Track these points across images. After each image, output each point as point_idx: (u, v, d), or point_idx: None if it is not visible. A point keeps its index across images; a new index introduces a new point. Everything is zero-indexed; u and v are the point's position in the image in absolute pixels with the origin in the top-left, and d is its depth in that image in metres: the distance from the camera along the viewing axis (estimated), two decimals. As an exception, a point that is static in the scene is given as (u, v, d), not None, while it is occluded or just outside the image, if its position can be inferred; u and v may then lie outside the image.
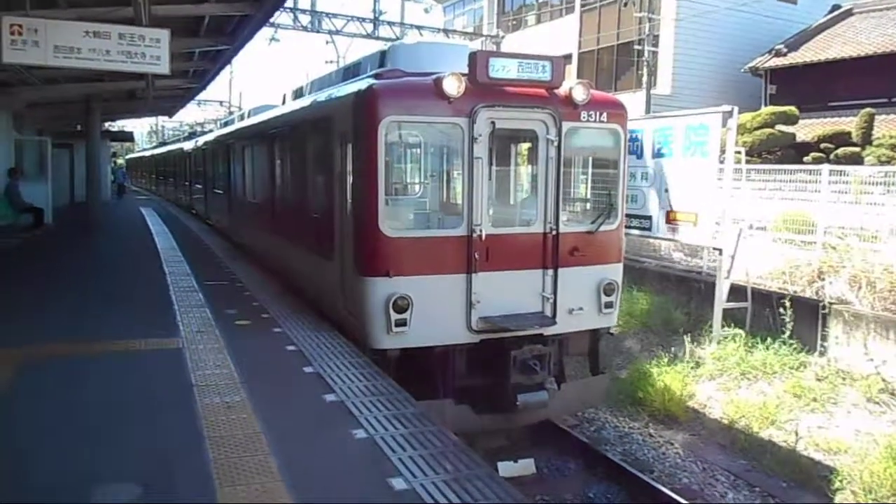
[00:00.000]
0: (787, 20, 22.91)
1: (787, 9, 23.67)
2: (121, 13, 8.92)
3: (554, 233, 6.55)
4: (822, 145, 17.47)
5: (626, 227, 7.83)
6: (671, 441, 8.18)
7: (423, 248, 6.29)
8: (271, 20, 16.89)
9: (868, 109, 17.43)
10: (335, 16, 22.60)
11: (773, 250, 11.41)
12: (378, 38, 22.50)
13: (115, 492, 3.45)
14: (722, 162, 10.06)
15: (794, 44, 21.81)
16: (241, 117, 15.31)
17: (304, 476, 3.66)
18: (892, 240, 10.30)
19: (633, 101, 18.20)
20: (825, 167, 11.89)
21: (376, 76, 6.62)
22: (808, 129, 19.04)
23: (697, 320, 10.82)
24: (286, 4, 20.02)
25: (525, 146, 7.47)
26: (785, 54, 21.46)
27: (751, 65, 22.04)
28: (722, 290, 10.12)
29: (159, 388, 5.06)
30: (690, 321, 10.91)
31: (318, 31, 22.55)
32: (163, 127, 57.42)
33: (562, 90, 6.50)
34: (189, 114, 47.06)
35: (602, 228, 6.84)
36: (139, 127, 53.23)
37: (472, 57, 6.20)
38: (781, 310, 9.57)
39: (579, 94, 6.48)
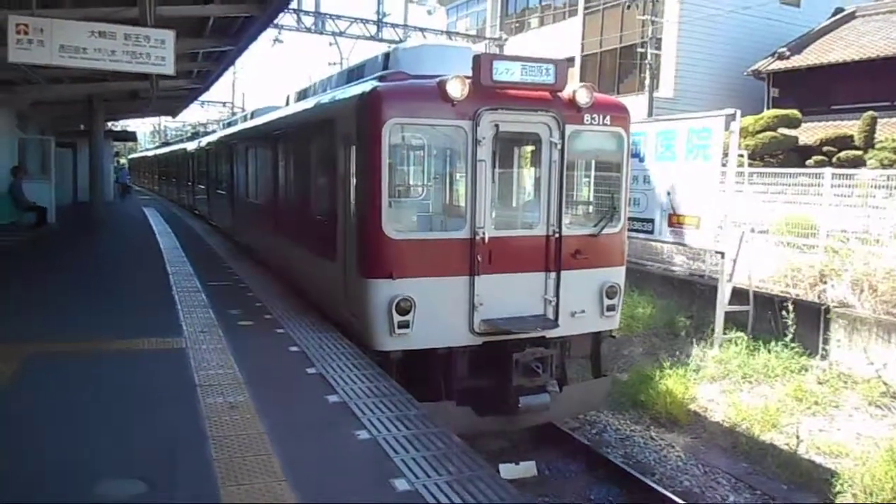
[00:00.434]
0: (790, 23, 22.90)
1: (790, 12, 23.67)
2: (126, 13, 8.96)
3: (557, 236, 6.57)
4: (825, 149, 17.45)
5: (629, 230, 7.84)
6: (673, 444, 8.18)
7: (426, 250, 6.31)
8: (275, 21, 16.91)
9: (870, 113, 17.41)
10: (339, 17, 22.62)
11: (775, 254, 11.41)
12: (381, 40, 22.52)
13: (119, 489, 3.47)
14: (724, 165, 10.07)
15: (797, 47, 21.80)
16: (245, 118, 15.33)
17: (307, 476, 3.68)
18: (894, 243, 10.29)
19: (635, 103, 18.22)
20: (827, 170, 11.90)
21: (380, 78, 6.64)
22: (810, 132, 19.02)
23: (699, 323, 10.83)
24: (290, 6, 20.06)
25: (528, 149, 7.49)
26: (787, 57, 21.46)
27: (753, 68, 22.03)
28: (724, 294, 10.13)
29: (162, 387, 5.08)
30: (692, 324, 10.91)
31: (321, 33, 22.57)
32: (165, 127, 57.54)
33: (565, 93, 6.52)
34: (192, 114, 47.09)
35: (605, 231, 6.85)
36: (142, 127, 53.38)
37: (476, 60, 6.22)
38: (783, 313, 9.58)
39: (582, 97, 6.50)
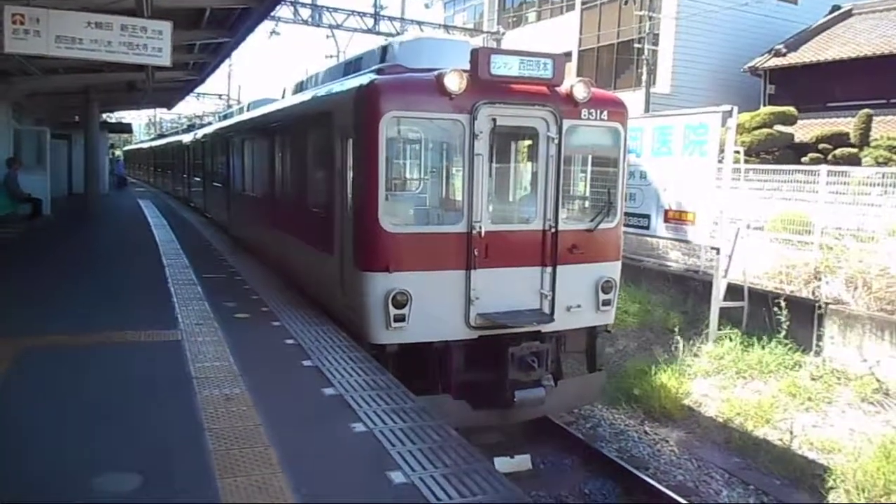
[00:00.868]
0: (787, 20, 22.93)
1: (787, 9, 23.68)
2: (122, 4, 8.89)
3: (553, 230, 6.58)
4: (821, 146, 17.52)
5: (624, 225, 7.86)
6: (666, 438, 8.23)
7: (423, 243, 6.31)
8: (272, 13, 16.83)
9: (866, 110, 17.47)
10: (336, 10, 22.53)
11: (770, 250, 11.46)
12: (378, 33, 22.45)
13: (115, 482, 3.46)
14: (720, 161, 10.09)
15: (794, 44, 21.84)
16: (241, 110, 15.27)
17: (304, 468, 3.68)
18: (888, 241, 10.35)
19: (632, 99, 18.20)
20: (823, 168, 11.94)
21: (378, 71, 6.62)
22: (806, 129, 19.08)
23: (694, 319, 10.87)
24: (287, -2, 19.99)
25: (525, 143, 7.49)
26: (784, 54, 21.49)
27: (750, 64, 22.06)
28: (719, 290, 10.17)
29: (158, 379, 5.07)
30: (687, 320, 10.96)
31: (318, 26, 22.48)
32: (161, 119, 57.26)
33: (563, 88, 6.52)
34: (188, 106, 46.97)
35: (601, 226, 6.86)
36: (137, 119, 53.03)
37: (474, 53, 6.21)
38: (777, 309, 9.62)
39: (580, 92, 6.50)
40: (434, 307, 6.19)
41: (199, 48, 14.05)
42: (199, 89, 29.01)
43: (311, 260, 7.99)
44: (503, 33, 25.54)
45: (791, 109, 18.92)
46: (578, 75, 19.90)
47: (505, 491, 3.53)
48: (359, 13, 22.89)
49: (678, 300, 11.59)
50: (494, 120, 6.26)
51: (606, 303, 6.97)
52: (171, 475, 3.58)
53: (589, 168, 7.67)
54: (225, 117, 18.23)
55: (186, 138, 22.46)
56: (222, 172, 14.51)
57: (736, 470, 7.48)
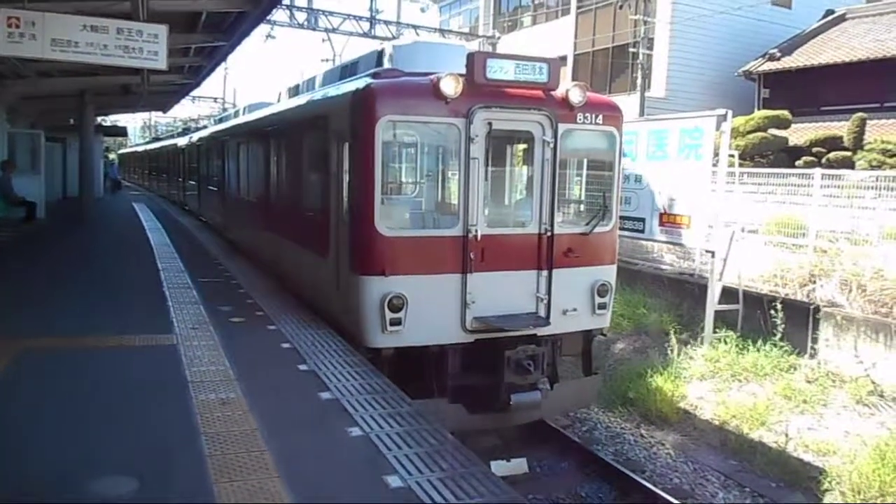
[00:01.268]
0: (781, 24, 23.05)
1: (781, 13, 23.81)
2: (118, 7, 8.89)
3: (549, 234, 6.60)
4: (815, 149, 17.60)
5: (619, 229, 7.89)
6: (662, 441, 8.24)
7: (419, 247, 6.32)
8: (268, 17, 16.83)
9: (860, 114, 17.56)
10: (331, 14, 22.53)
11: (764, 253, 11.50)
12: (374, 37, 22.46)
13: (111, 486, 3.44)
14: (715, 165, 10.13)
15: (788, 48, 21.96)
16: (237, 114, 15.27)
17: (300, 473, 3.68)
18: (882, 243, 10.41)
19: (627, 103, 18.27)
20: (817, 171, 12.00)
21: (374, 75, 6.63)
22: (800, 133, 19.17)
23: (690, 322, 10.90)
24: (283, 2, 19.99)
25: (521, 147, 7.51)
26: (778, 58, 21.61)
27: (744, 68, 22.16)
28: (714, 293, 10.20)
29: (154, 383, 5.05)
30: (682, 323, 10.98)
31: (314, 29, 22.48)
32: (156, 122, 57.13)
33: (558, 92, 6.54)
34: (183, 110, 46.88)
35: (596, 230, 6.89)
36: (132, 122, 52.95)
37: (470, 58, 6.23)
38: (772, 312, 9.65)
39: (575, 96, 6.53)
40: (430, 311, 6.20)
41: (194, 51, 14.06)
42: (195, 92, 29.00)
43: (307, 263, 7.98)
44: (499, 37, 25.62)
45: (785, 113, 19.00)
46: (574, 79, 20.03)
47: (501, 494, 3.53)
48: (355, 17, 22.92)
49: (674, 303, 11.61)
50: (490, 124, 6.28)
51: (602, 306, 6.99)
52: (166, 479, 3.57)
53: (584, 172, 7.70)
54: (220, 121, 18.20)
55: (182, 142, 22.43)
56: (218, 176, 14.49)
57: (732, 472, 7.49)
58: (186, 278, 9.12)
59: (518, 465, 6.99)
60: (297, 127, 8.67)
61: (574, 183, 7.74)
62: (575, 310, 6.80)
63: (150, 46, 8.26)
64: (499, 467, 6.64)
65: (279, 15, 21.22)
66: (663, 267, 12.81)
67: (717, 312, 10.23)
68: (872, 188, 11.41)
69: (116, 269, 10.34)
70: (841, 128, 18.11)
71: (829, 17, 23.11)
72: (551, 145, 6.52)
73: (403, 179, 8.40)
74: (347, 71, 8.10)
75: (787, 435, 7.93)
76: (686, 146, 10.04)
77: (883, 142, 16.33)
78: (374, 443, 4.06)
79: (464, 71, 6.15)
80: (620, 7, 22.84)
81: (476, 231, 6.25)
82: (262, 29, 22.11)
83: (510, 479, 6.39)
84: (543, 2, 29.15)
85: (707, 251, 10.47)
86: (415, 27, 24.61)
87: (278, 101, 11.07)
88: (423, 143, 7.55)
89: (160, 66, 8.57)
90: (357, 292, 6.21)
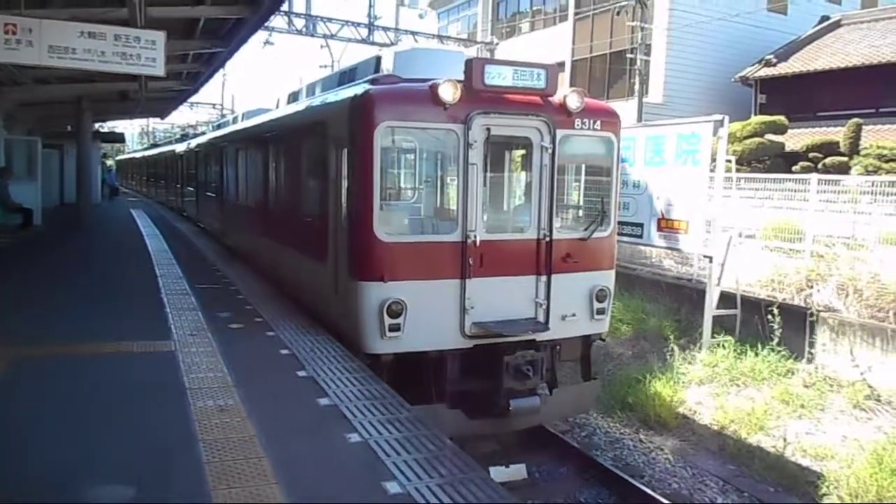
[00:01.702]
0: (777, 31, 23.19)
1: (777, 19, 23.96)
2: (115, 14, 8.91)
3: (547, 239, 6.60)
4: (811, 154, 17.69)
5: (618, 234, 7.91)
6: (661, 446, 8.24)
7: (418, 253, 6.32)
8: (266, 23, 16.87)
9: (856, 120, 17.66)
10: (330, 20, 22.58)
11: (762, 258, 11.54)
12: (373, 43, 22.51)
13: (109, 494, 3.43)
14: (712, 170, 10.17)
15: (784, 54, 22.08)
16: (235, 120, 15.28)
17: (299, 479, 3.67)
18: (878, 248, 10.44)
19: (624, 109, 18.31)
20: (813, 176, 12.05)
21: (372, 81, 6.65)
22: (796, 138, 19.26)
23: (688, 327, 10.91)
24: (281, 8, 20.00)
25: (519, 153, 7.53)
26: (774, 64, 21.72)
27: (741, 74, 22.28)
28: (712, 298, 10.22)
29: (152, 390, 5.04)
30: (681, 328, 10.99)
31: (312, 36, 22.53)
32: (154, 129, 57.14)
33: (556, 98, 6.57)
34: (181, 116, 46.82)
35: (595, 235, 6.90)
36: (130, 128, 52.93)
37: (468, 64, 6.26)
38: (770, 317, 9.67)
39: (573, 102, 6.55)
40: (429, 316, 6.19)
41: (192, 58, 14.09)
42: (193, 99, 29.05)
43: (306, 269, 7.98)
44: (497, 44, 25.71)
45: (782, 119, 19.10)
46: (571, 85, 20.09)
47: (500, 500, 3.53)
48: (353, 23, 22.97)
49: (672, 308, 11.63)
50: (488, 130, 6.30)
51: (601, 311, 7.00)
52: (164, 486, 3.56)
53: (582, 177, 7.72)
54: (218, 127, 18.22)
55: (180, 148, 22.43)
56: (216, 182, 14.49)
57: (730, 477, 7.49)
58: (185, 284, 9.11)
59: (517, 471, 6.97)
60: (296, 133, 8.68)
61: (572, 188, 7.76)
62: (574, 315, 6.81)
63: (147, 53, 8.28)
64: (498, 473, 6.62)
65: (277, 21, 21.28)
66: (662, 272, 12.84)
67: (715, 317, 10.25)
68: (868, 193, 11.47)
69: (114, 275, 10.32)
70: (837, 133, 18.20)
71: (825, 24, 23.25)
72: (549, 151, 6.54)
73: (402, 185, 8.41)
74: (346, 77, 8.12)
75: (784, 439, 7.94)
76: (683, 152, 10.08)
77: (878, 147, 16.41)
78: (372, 449, 4.06)
79: (462, 77, 6.17)
80: (618, 13, 22.96)
81: (475, 236, 6.26)
82: (261, 35, 22.23)
83: (509, 485, 6.39)
84: (541, 8, 29.29)
85: (705, 256, 10.49)
86: (413, 33, 24.69)
87: (277, 107, 11.09)
88: (421, 148, 7.56)
89: (158, 72, 8.59)
90: (356, 298, 6.20)
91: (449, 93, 5.98)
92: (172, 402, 4.73)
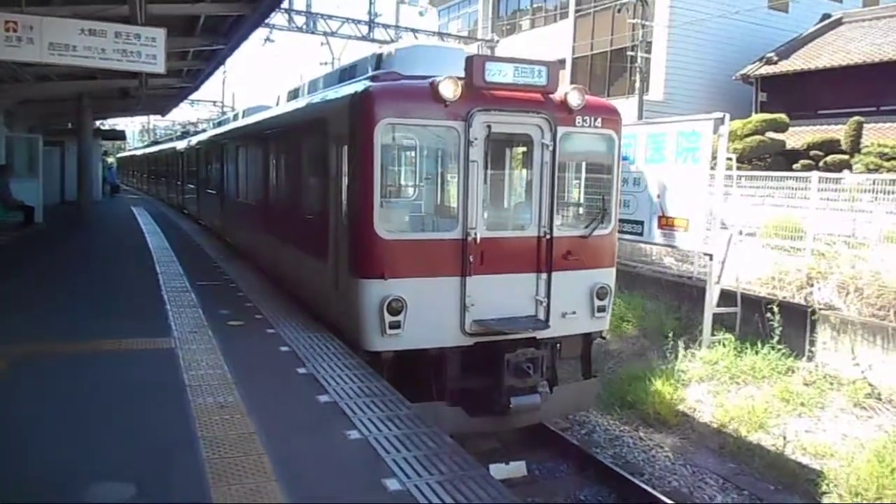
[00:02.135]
0: (778, 28, 23.15)
1: (778, 17, 23.92)
2: (116, 11, 8.91)
3: (548, 237, 6.59)
4: (812, 153, 17.66)
5: (618, 232, 7.89)
6: (661, 444, 8.24)
7: (418, 250, 6.31)
8: (266, 21, 16.86)
9: (857, 118, 17.63)
10: (330, 17, 22.57)
11: (762, 256, 11.53)
12: (373, 40, 22.50)
13: (108, 492, 3.44)
14: (713, 168, 10.16)
15: (785, 52, 22.04)
16: (236, 117, 15.27)
17: (299, 476, 3.67)
18: (879, 246, 10.43)
19: (625, 106, 18.30)
20: (814, 174, 12.04)
21: (373, 78, 6.64)
22: (797, 136, 19.23)
23: (688, 325, 10.91)
24: (282, 5, 19.97)
25: (520, 150, 7.52)
26: (776, 62, 21.68)
27: (742, 72, 22.24)
28: (712, 296, 10.21)
29: (152, 387, 5.05)
30: (681, 326, 10.99)
31: (312, 33, 22.51)
32: (155, 126, 57.14)
33: (557, 95, 6.56)
34: (182, 113, 46.82)
35: (595, 233, 6.89)
36: (131, 125, 52.98)
37: (469, 61, 6.24)
38: (770, 315, 9.67)
39: (574, 100, 6.54)
40: (429, 314, 6.19)
41: (193, 55, 14.09)
42: (194, 96, 29.02)
43: (306, 267, 7.98)
44: (497, 41, 25.68)
45: (782, 117, 19.06)
46: (572, 83, 20.06)
47: (500, 498, 3.53)
48: (353, 21, 22.95)
49: (672, 306, 11.63)
50: (489, 127, 6.29)
51: (601, 309, 6.99)
52: (164, 483, 3.56)
53: (583, 175, 7.70)
54: (219, 124, 18.20)
55: (180, 145, 22.43)
56: (216, 179, 14.49)
57: (730, 475, 7.49)
58: (185, 282, 9.11)
59: (517, 469, 6.98)
60: (296, 130, 8.67)
61: (573, 186, 7.75)
62: (574, 313, 6.80)
63: (148, 50, 8.28)
64: (497, 470, 6.63)
65: (278, 18, 21.28)
66: (662, 270, 12.83)
67: (715, 315, 10.24)
68: (869, 191, 11.45)
69: (115, 272, 10.33)
70: (838, 131, 18.18)
71: (826, 22, 23.21)
72: (550, 148, 6.53)
73: (403, 182, 8.40)
74: (346, 74, 8.11)
75: (784, 438, 7.94)
76: (684, 149, 10.06)
77: (879, 145, 16.39)
78: (372, 446, 4.06)
79: (463, 74, 6.16)
80: (619, 11, 22.92)
81: (475, 234, 6.25)
82: (261, 32, 22.19)
83: (509, 483, 6.38)
84: (542, 5, 29.24)
85: (705, 254, 10.49)
86: (413, 31, 24.66)
87: (277, 104, 11.08)
88: (422, 146, 7.55)
89: (158, 69, 8.59)
90: (356, 295, 6.20)
91: (450, 90, 5.97)
92: (172, 399, 4.74)
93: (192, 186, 19.08)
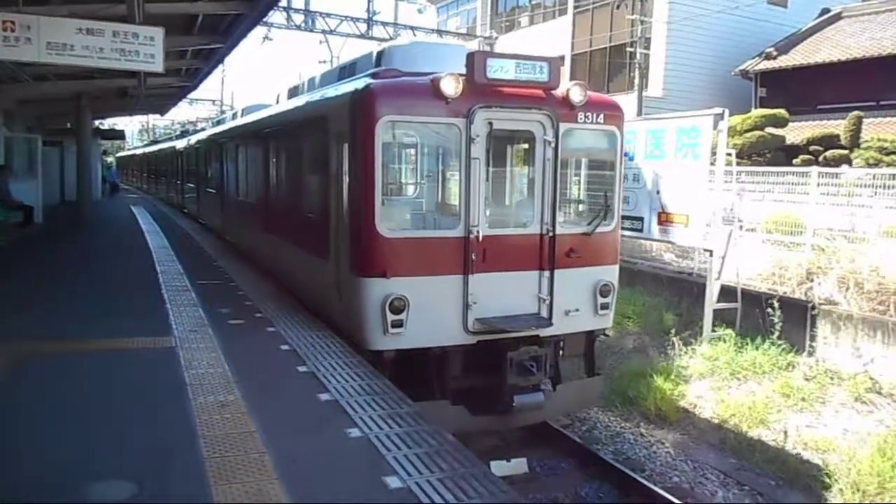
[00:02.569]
0: (778, 23, 23.12)
1: (777, 12, 23.88)
2: (114, 10, 8.88)
3: (550, 234, 6.57)
4: (812, 148, 17.64)
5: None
6: (662, 440, 8.24)
7: (420, 248, 6.29)
8: (265, 19, 16.83)
9: (856, 112, 17.61)
10: (329, 15, 22.55)
11: (762, 252, 11.52)
12: (372, 38, 22.47)
13: (109, 490, 3.43)
14: (713, 164, 10.15)
15: (784, 47, 22.00)
16: (235, 116, 15.25)
17: (299, 474, 3.67)
18: (879, 241, 10.43)
19: (624, 102, 18.18)
20: (814, 169, 12.03)
21: (373, 75, 6.62)
22: (797, 131, 19.21)
23: (689, 321, 10.91)
24: (280, 3, 19.95)
25: (522, 147, 7.50)
26: (775, 57, 21.65)
27: (741, 68, 22.21)
28: (712, 291, 10.21)
29: (152, 386, 5.04)
30: (682, 322, 10.99)
31: (311, 31, 22.50)
32: (154, 125, 57.09)
33: (559, 91, 6.52)
34: (181, 112, 46.83)
35: (598, 230, 6.86)
36: (130, 125, 52.89)
37: (470, 57, 6.21)
38: (770, 310, 9.67)
39: (576, 96, 6.50)
40: (432, 312, 6.16)
41: (191, 54, 14.08)
42: (192, 95, 29.01)
43: (307, 265, 7.96)
44: (496, 38, 25.62)
45: (782, 112, 19.04)
46: (571, 79, 20.01)
47: (501, 495, 3.52)
48: (352, 18, 22.92)
49: (673, 302, 11.63)
50: (491, 124, 6.26)
51: (604, 306, 6.95)
52: (165, 482, 3.56)
53: (585, 171, 7.68)
54: (218, 123, 18.18)
55: (180, 144, 22.39)
56: (216, 178, 14.47)
57: (731, 471, 7.49)
58: (185, 280, 9.10)
59: (518, 466, 6.98)
60: (296, 128, 8.65)
61: (575, 183, 7.72)
62: (577, 310, 6.77)
63: (146, 49, 8.26)
64: (499, 467, 6.63)
65: (276, 17, 21.26)
66: (663, 266, 12.82)
67: (715, 311, 10.24)
68: (869, 186, 11.44)
69: (115, 272, 10.32)
70: (837, 126, 18.15)
71: (825, 16, 23.16)
72: (552, 145, 6.50)
73: (404, 180, 8.38)
74: (346, 72, 8.08)
75: (785, 433, 7.94)
76: (683, 145, 10.06)
77: (879, 140, 16.38)
78: (373, 444, 4.05)
79: (464, 71, 6.13)
80: (617, 7, 22.87)
81: (477, 231, 6.23)
82: (260, 31, 22.16)
83: (510, 480, 6.39)
84: (541, 2, 29.19)
85: (705, 250, 10.48)
86: (412, 28, 24.63)
87: (277, 102, 11.06)
88: (423, 143, 7.53)
89: (157, 68, 8.57)
90: (358, 294, 6.19)
91: (451, 86, 5.94)
92: (173, 398, 4.73)
93: (191, 185, 19.06)
